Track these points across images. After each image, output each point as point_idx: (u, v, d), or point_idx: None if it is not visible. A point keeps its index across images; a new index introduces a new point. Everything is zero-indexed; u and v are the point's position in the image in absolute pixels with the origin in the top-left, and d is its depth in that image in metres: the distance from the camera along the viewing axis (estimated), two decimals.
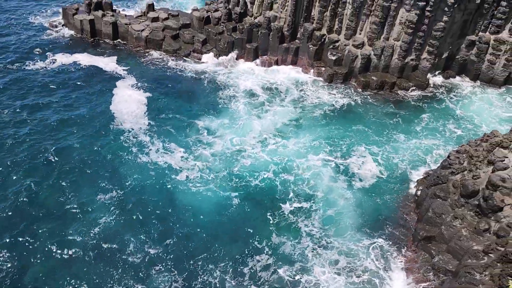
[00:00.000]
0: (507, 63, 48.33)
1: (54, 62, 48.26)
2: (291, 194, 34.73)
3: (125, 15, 55.43)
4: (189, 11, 56.30)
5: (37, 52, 49.53)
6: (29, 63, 47.46)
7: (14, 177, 33.69)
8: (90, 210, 31.98)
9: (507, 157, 29.26)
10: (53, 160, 35.71)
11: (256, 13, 53.10)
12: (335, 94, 47.51)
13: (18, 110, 40.55)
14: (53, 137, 38.06)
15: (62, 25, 54.80)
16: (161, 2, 65.45)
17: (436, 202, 30.73)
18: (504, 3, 46.14)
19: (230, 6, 53.39)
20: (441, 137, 41.97)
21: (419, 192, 34.74)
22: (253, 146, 38.97)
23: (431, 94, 48.44)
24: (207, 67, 50.59)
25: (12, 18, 56.37)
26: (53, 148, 36.79)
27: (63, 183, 33.83)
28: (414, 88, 49.04)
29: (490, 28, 48.25)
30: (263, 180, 35.79)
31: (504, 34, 47.96)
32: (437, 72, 50.65)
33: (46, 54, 49.43)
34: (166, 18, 54.40)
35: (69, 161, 35.72)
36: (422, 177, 36.72)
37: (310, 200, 34.24)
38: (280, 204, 33.87)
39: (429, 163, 38.59)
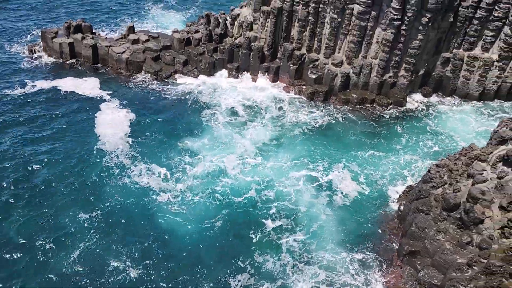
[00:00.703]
0: (481, 79, 49.81)
1: (34, 88, 47.46)
2: (273, 211, 34.84)
3: (105, 38, 55.36)
4: (170, 33, 56.61)
5: (16, 79, 48.63)
6: (8, 90, 46.53)
7: None
8: (71, 232, 31.60)
9: (485, 170, 29.87)
10: (35, 182, 35.34)
11: (236, 34, 53.74)
12: (315, 112, 48.03)
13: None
14: (34, 160, 37.60)
15: (41, 49, 54.17)
16: (144, 23, 65.41)
17: (419, 216, 31.02)
18: (475, 21, 47.85)
19: (210, 27, 53.94)
20: (419, 152, 42.72)
21: (402, 207, 35.05)
22: (235, 166, 39.07)
23: (409, 110, 49.38)
24: (189, 87, 50.60)
25: None
26: (34, 171, 36.45)
27: (44, 206, 33.46)
28: (392, 105, 49.96)
29: (464, 45, 49.84)
30: (245, 199, 35.83)
31: (477, 51, 49.57)
32: (414, 89, 51.80)
33: (26, 80, 48.59)
34: (147, 40, 54.55)
35: (51, 184, 35.41)
36: (403, 192, 37.11)
37: (291, 217, 34.43)
38: (263, 221, 33.95)
39: (408, 178, 39.19)
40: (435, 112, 49.27)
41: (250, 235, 32.72)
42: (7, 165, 36.71)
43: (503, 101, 51.03)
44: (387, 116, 48.19)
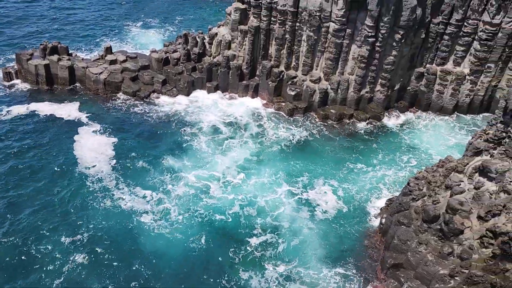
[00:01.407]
0: (454, 92, 51.27)
1: (9, 114, 46.33)
2: (257, 228, 34.84)
3: (82, 59, 54.90)
4: (148, 53, 56.57)
5: None
6: None
7: None
8: (54, 257, 30.92)
9: (462, 181, 30.46)
10: (15, 208, 34.64)
11: (214, 53, 54.10)
12: (294, 128, 48.43)
13: None
14: (14, 186, 36.77)
15: (16, 72, 53.15)
16: (124, 43, 65.20)
17: (400, 229, 31.29)
18: (446, 37, 49.48)
19: (188, 47, 54.18)
20: (395, 166, 43.32)
21: (383, 220, 35.33)
22: (217, 184, 38.97)
23: (385, 126, 50.18)
24: (169, 107, 50.40)
25: None
26: (14, 196, 35.68)
27: (26, 231, 32.76)
28: (370, 119, 50.79)
29: (436, 60, 51.36)
30: (228, 217, 35.71)
31: (449, 65, 51.13)
32: (391, 103, 52.86)
33: (7, 107, 47.33)
34: (125, 60, 54.34)
35: (33, 209, 34.71)
36: (384, 205, 37.47)
37: (275, 232, 34.54)
38: (247, 238, 33.85)
39: (386, 192, 39.71)
40: (410, 127, 50.24)
41: (235, 253, 32.53)
42: None
43: (475, 115, 52.36)
44: (363, 132, 48.88)
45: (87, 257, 31.14)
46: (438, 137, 48.24)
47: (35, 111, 47.32)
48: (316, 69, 51.79)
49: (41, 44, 52.70)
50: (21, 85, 52.23)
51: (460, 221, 28.24)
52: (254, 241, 33.62)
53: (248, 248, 33.02)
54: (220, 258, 32.09)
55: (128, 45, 64.45)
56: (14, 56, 55.07)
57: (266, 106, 52.23)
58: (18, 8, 73.51)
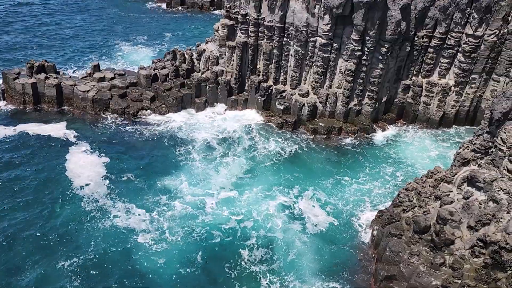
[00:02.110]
0: (440, 103, 52.04)
1: None
2: (251, 242, 34.90)
3: (70, 77, 54.69)
4: (137, 70, 56.60)
5: None
6: None
7: None
8: (50, 280, 30.39)
9: (451, 191, 30.75)
10: (7, 232, 34.00)
11: (203, 69, 54.36)
12: (284, 142, 48.52)
13: None
14: (5, 210, 36.12)
15: (2, 91, 52.64)
16: (113, 61, 65.11)
17: (392, 240, 31.34)
18: (431, 50, 50.42)
19: (177, 63, 54.37)
20: (383, 179, 43.62)
21: (375, 232, 35.37)
22: (212, 201, 38.88)
23: (372, 138, 50.53)
24: (160, 124, 50.15)
25: None
26: (5, 221, 35.00)
27: (20, 256, 32.19)
28: (359, 132, 51.19)
29: (422, 72, 52.22)
30: (223, 233, 35.63)
31: (434, 77, 52.00)
32: (379, 116, 53.41)
33: None
34: (113, 78, 54.26)
35: (27, 233, 34.14)
36: (375, 217, 37.56)
37: (269, 247, 34.63)
38: (242, 253, 33.87)
39: (373, 204, 40.03)
40: (396, 140, 50.62)
41: (230, 269, 32.52)
42: None
43: (460, 127, 53.07)
44: (350, 145, 49.15)
45: (84, 280, 30.71)
46: (421, 150, 48.79)
47: (22, 132, 46.52)
48: (304, 83, 52.28)
49: (27, 63, 52.33)
50: (6, 102, 51.66)
51: (451, 231, 28.41)
52: (249, 255, 33.74)
53: (243, 263, 33.03)
54: (216, 275, 31.99)
55: (117, 63, 64.29)
56: (0, 75, 54.72)
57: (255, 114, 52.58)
58: (2, 26, 73.13)
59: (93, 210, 36.86)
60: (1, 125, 47.53)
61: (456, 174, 31.61)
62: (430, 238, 29.43)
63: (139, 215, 36.64)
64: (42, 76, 51.83)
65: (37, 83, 51.60)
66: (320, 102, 51.43)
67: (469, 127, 53.00)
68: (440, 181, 32.30)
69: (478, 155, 31.19)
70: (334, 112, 52.12)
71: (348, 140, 49.94)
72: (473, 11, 46.89)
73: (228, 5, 51.94)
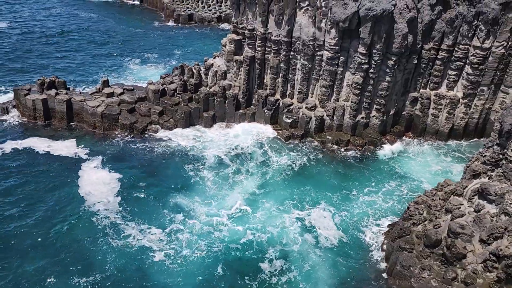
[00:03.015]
0: (449, 116, 51.72)
1: (5, 151, 45.71)
2: (269, 255, 35.08)
3: (80, 92, 55.41)
4: (145, 85, 57.19)
5: None
6: None
7: None
8: None
9: (462, 204, 30.38)
10: (21, 250, 34.02)
11: (210, 83, 54.77)
12: (294, 156, 48.39)
13: None
14: (19, 226, 36.25)
15: (14, 107, 53.52)
16: (123, 78, 65.83)
17: (402, 254, 30.92)
18: (438, 62, 50.36)
19: (185, 78, 54.87)
20: (388, 193, 43.34)
21: (385, 246, 34.94)
22: (226, 218, 38.77)
23: (378, 152, 50.24)
24: (169, 140, 50.17)
25: None
26: (20, 239, 35.10)
27: (34, 273, 32.16)
28: (367, 145, 50.99)
29: (429, 85, 52.08)
30: (240, 247, 35.68)
31: (443, 90, 51.81)
32: (387, 128, 53.22)
33: (2, 143, 46.87)
34: (122, 93, 54.85)
35: (41, 250, 34.23)
36: (386, 231, 37.16)
37: (286, 259, 34.88)
38: (260, 266, 34.05)
39: (382, 218, 39.89)
40: (403, 153, 50.30)
41: (251, 281, 32.66)
42: None
43: (468, 140, 52.55)
44: (357, 159, 48.94)
45: None
46: (426, 164, 48.48)
47: (32, 147, 46.90)
48: (312, 97, 52.39)
49: (38, 79, 53.24)
50: (17, 117, 52.30)
51: (462, 245, 27.98)
52: (267, 268, 34.01)
53: (261, 277, 33.24)
54: (236, 287, 32.23)
55: (127, 80, 64.95)
56: (11, 91, 55.66)
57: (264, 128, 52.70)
58: (15, 44, 74.62)
59: (107, 227, 36.72)
60: (11, 139, 47.94)
61: (466, 187, 31.26)
62: (442, 252, 28.99)
63: (153, 233, 36.44)
64: (52, 92, 52.56)
65: (48, 99, 52.34)
66: (327, 115, 51.43)
67: (478, 139, 52.57)
68: (450, 194, 31.94)
69: (488, 167, 30.85)
70: (342, 125, 52.05)
71: (354, 153, 49.80)
72: (480, 23, 46.88)
73: (235, 21, 52.54)
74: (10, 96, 56.13)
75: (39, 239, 35.21)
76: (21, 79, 62.07)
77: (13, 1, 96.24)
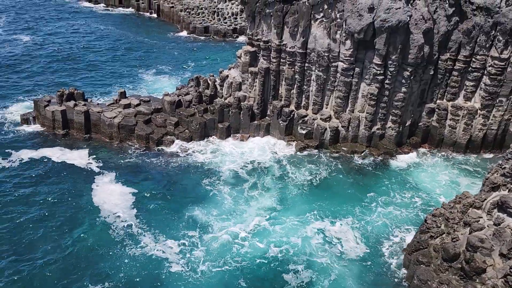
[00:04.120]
0: (467, 127, 50.94)
1: (22, 160, 46.58)
2: (292, 267, 34.97)
3: (97, 104, 56.37)
4: (161, 97, 57.90)
5: (5, 150, 47.78)
6: None
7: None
8: None
9: (481, 217, 29.75)
10: (36, 258, 34.45)
11: (226, 94, 55.16)
12: (310, 168, 48.16)
13: None
14: (35, 235, 36.82)
15: (33, 118, 54.71)
16: (138, 90, 66.79)
17: (420, 268, 30.34)
18: (455, 73, 49.83)
19: (200, 89, 55.39)
20: (408, 205, 42.92)
21: (404, 258, 34.37)
22: (245, 233, 38.51)
23: (394, 163, 49.78)
24: (185, 153, 50.30)
25: None
26: (38, 247, 35.67)
27: (48, 278, 32.69)
28: (383, 155, 50.52)
29: (446, 96, 51.49)
30: (262, 261, 35.51)
31: (460, 100, 51.16)
32: (403, 139, 52.67)
33: (13, 151, 47.74)
34: (138, 104, 55.61)
35: (56, 254, 34.79)
36: (404, 243, 36.61)
37: (310, 271, 34.71)
38: (285, 277, 33.98)
39: (399, 230, 39.52)
40: (418, 165, 49.72)
41: None
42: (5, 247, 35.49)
43: (486, 153, 51.75)
44: (372, 170, 48.54)
45: None
46: (443, 176, 47.79)
47: (48, 157, 47.65)
48: (326, 108, 52.27)
49: (58, 91, 54.49)
50: (36, 127, 53.51)
51: (482, 259, 27.33)
52: (292, 279, 33.93)
53: (288, 287, 33.23)
54: None
55: (141, 91, 65.84)
56: (32, 103, 56.95)
57: (279, 142, 52.58)
58: (37, 56, 76.57)
59: (123, 238, 36.92)
60: (29, 148, 48.93)
61: (485, 199, 30.63)
62: (460, 266, 28.35)
63: (170, 246, 36.44)
64: (71, 103, 53.61)
65: (66, 110, 53.38)
66: (342, 127, 51.20)
67: (497, 152, 51.73)
68: (468, 206, 31.32)
69: (508, 179, 30.21)
70: (357, 136, 51.71)
71: (370, 164, 49.40)
72: (498, 33, 46.35)
73: (250, 32, 53.01)
74: (30, 106, 57.46)
75: (54, 246, 35.66)
76: (42, 90, 63.48)
77: (38, 17, 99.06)
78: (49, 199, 41.25)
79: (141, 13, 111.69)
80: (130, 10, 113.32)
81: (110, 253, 35.39)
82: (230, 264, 34.98)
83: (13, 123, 53.97)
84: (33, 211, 39.58)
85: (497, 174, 31.37)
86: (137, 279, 33.13)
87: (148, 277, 33.35)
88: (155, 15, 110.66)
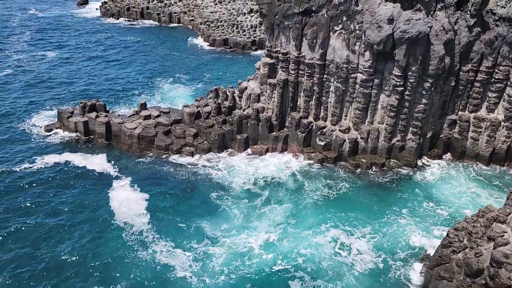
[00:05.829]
0: (490, 139, 49.86)
1: (45, 165, 48.39)
2: (302, 275, 34.90)
3: (118, 115, 57.43)
4: (180, 108, 58.63)
5: (29, 157, 49.76)
6: (18, 167, 47.63)
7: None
8: None
9: (506, 232, 28.92)
10: (47, 261, 35.33)
11: (244, 106, 55.46)
12: (327, 180, 47.79)
13: (9, 215, 40.40)
14: (51, 237, 37.93)
15: (57, 128, 56.14)
16: (154, 98, 67.98)
17: (441, 284, 29.60)
18: (477, 84, 49.01)
19: (219, 101, 55.86)
20: (427, 218, 42.14)
21: (423, 272, 33.59)
22: (257, 244, 38.42)
23: (413, 175, 49.03)
24: (202, 164, 50.61)
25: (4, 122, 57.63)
26: (51, 249, 36.61)
27: (62, 276, 33.71)
28: (402, 168, 49.82)
29: (468, 107, 50.62)
30: (273, 272, 35.35)
31: (482, 112, 50.19)
32: (424, 151, 51.85)
33: (37, 158, 49.61)
34: (158, 115, 56.42)
35: (69, 261, 35.53)
36: (423, 258, 35.84)
37: (320, 280, 34.57)
38: (290, 285, 33.84)
39: (419, 243, 38.80)
40: (440, 178, 48.77)
41: None
42: (13, 247, 36.63)
43: (510, 168, 50.57)
44: (390, 182, 47.84)
45: None
46: (464, 189, 46.84)
47: (69, 163, 49.34)
48: (345, 119, 51.97)
49: (81, 103, 55.95)
50: (60, 135, 55.34)
51: (507, 275, 26.50)
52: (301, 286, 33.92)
53: None
54: None
55: (157, 99, 67.13)
56: (55, 114, 58.45)
57: (296, 157, 52.23)
58: (61, 69, 78.72)
59: (135, 244, 37.53)
60: (50, 153, 50.81)
61: (510, 213, 29.79)
62: (484, 282, 27.53)
63: (180, 254, 36.75)
64: (93, 114, 54.81)
65: (88, 121, 54.57)
66: (361, 138, 50.76)
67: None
68: (492, 220, 30.51)
69: None
70: (376, 148, 51.16)
71: (389, 176, 48.76)
72: None
73: (269, 44, 53.38)
74: (54, 115, 59.00)
75: (67, 247, 36.78)
76: (65, 102, 65.20)
77: (63, 34, 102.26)
78: (69, 202, 42.57)
79: (164, 25, 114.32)
80: (153, 22, 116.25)
81: (123, 258, 35.97)
82: (238, 274, 34.91)
83: (37, 133, 55.63)
84: (51, 212, 41.00)
85: None
86: (147, 284, 33.48)
87: (155, 285, 33.65)
88: (176, 24, 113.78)
